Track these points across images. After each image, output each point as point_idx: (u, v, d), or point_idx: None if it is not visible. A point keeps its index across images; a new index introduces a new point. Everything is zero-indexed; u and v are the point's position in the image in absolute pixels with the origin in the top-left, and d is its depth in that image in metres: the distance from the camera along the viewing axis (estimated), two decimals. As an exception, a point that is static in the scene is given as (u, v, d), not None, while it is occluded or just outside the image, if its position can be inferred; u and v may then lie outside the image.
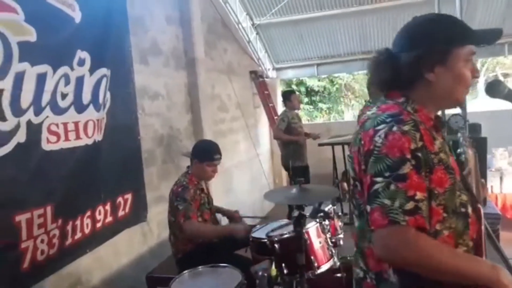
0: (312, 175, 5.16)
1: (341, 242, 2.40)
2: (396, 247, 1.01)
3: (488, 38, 1.19)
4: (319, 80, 12.25)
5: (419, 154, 1.05)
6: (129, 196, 3.00)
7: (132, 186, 3.05)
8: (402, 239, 1.00)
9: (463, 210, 1.13)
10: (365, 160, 1.10)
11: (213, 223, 2.92)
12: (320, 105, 12.95)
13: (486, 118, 4.75)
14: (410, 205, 1.01)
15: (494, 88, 1.19)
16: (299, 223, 1.94)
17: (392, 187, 1.02)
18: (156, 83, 3.54)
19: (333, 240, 2.25)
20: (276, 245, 2.14)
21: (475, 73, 1.17)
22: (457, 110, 4.78)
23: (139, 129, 3.14)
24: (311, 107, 12.81)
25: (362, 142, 1.13)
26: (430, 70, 1.14)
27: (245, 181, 5.58)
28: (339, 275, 2.24)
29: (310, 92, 12.62)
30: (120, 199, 2.90)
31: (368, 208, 1.06)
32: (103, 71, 2.61)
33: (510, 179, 4.93)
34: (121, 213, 2.91)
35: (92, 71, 2.51)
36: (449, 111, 4.84)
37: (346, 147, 5.07)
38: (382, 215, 1.02)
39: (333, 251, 2.19)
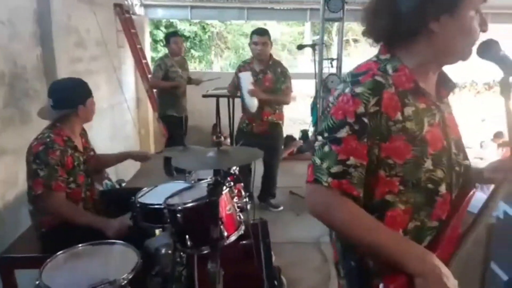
0: (190, 127, 4.93)
1: (248, 207, 2.12)
2: (316, 205, 1.04)
3: None
4: (190, 25, 11.66)
5: (365, 120, 0.99)
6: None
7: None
8: (323, 200, 1.02)
9: (430, 186, 1.05)
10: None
11: (90, 186, 2.40)
12: (192, 52, 12.43)
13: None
14: (337, 169, 1.00)
15: (489, 48, 1.06)
16: (215, 191, 1.68)
17: (326, 148, 1.02)
18: (-7, 4, 2.75)
19: (239, 205, 2.01)
20: (178, 215, 1.78)
21: (483, 26, 1.06)
22: (333, 70, 5.06)
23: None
24: (182, 53, 12.23)
25: None
26: (435, 19, 1.01)
27: (106, 130, 5.02)
28: (246, 242, 2.03)
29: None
30: None
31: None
32: None
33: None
34: None
35: None
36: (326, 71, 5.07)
37: (231, 100, 4.76)
38: (312, 171, 1.03)
39: (241, 217, 1.93)
